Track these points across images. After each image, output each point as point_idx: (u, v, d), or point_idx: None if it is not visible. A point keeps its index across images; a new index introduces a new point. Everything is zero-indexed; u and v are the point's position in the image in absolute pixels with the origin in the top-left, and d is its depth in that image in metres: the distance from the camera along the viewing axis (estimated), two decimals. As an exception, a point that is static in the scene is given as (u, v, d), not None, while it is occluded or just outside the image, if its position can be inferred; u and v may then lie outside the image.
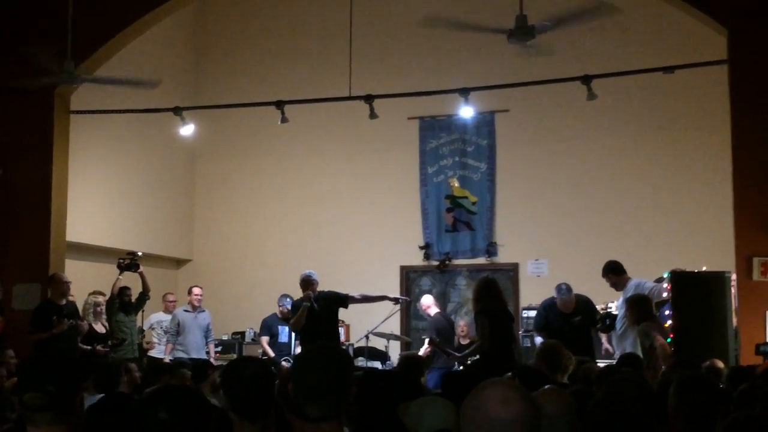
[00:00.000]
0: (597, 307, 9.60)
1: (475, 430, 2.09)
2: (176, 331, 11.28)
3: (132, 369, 7.93)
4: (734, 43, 8.65)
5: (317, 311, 9.24)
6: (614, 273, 9.14)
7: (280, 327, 11.13)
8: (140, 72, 10.93)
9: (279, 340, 11.11)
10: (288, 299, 10.86)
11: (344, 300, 9.58)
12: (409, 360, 7.38)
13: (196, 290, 11.59)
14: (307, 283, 9.43)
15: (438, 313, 10.84)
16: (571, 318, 9.26)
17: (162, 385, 2.82)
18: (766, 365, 6.12)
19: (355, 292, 9.73)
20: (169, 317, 11.65)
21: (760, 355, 6.58)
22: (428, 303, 10.87)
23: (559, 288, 9.42)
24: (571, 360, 6.00)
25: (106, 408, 3.71)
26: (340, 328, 12.79)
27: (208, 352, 11.36)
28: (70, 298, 10.08)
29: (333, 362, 2.85)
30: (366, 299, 9.86)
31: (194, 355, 11.15)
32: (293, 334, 10.55)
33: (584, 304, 9.42)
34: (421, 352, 10.15)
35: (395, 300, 10.01)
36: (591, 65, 10.28)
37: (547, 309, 9.55)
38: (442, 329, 10.48)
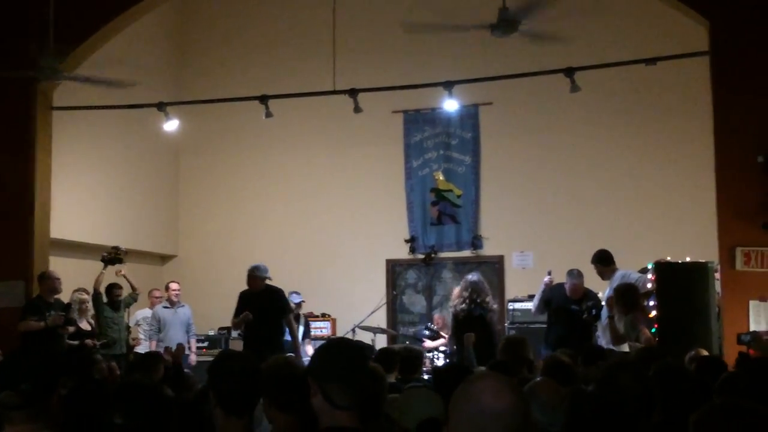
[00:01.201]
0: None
1: (466, 422, 2.09)
2: (158, 328, 11.29)
3: (113, 368, 7.87)
4: (715, 34, 8.67)
5: (256, 317, 9.43)
6: (602, 262, 9.17)
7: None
8: (123, 67, 10.86)
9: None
10: (294, 295, 10.98)
11: (285, 315, 9.77)
12: (382, 354, 7.37)
13: (174, 285, 11.60)
14: (252, 278, 9.66)
15: None
16: (573, 305, 9.31)
17: (119, 385, 2.80)
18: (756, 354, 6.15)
19: (289, 318, 9.87)
20: (155, 313, 11.65)
21: (742, 344, 6.62)
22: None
23: (570, 272, 9.48)
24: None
25: (79, 396, 3.69)
26: (326, 323, 12.91)
27: (189, 347, 11.36)
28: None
29: (358, 353, 2.91)
30: (291, 328, 9.93)
31: None
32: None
33: (592, 299, 9.42)
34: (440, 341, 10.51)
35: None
36: (574, 57, 10.31)
37: (554, 288, 9.59)
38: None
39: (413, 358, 6.76)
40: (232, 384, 3.24)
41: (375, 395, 3.38)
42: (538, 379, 4.12)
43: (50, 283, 9.39)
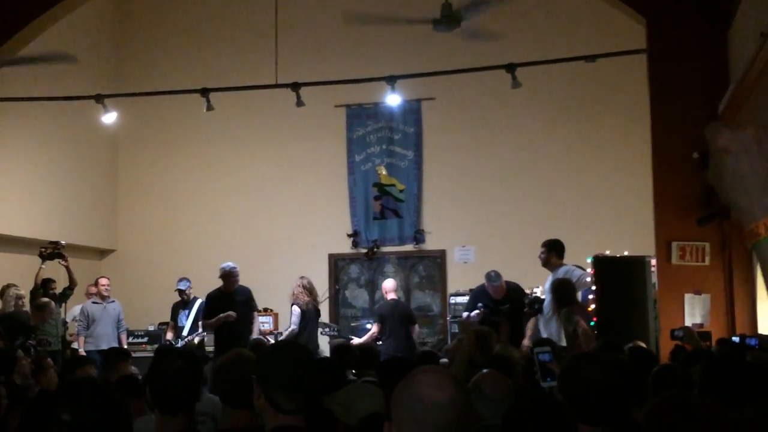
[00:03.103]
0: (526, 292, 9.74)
1: (407, 414, 2.10)
2: (86, 324, 11.12)
3: (48, 365, 7.68)
4: (652, 32, 8.81)
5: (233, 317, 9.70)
6: (555, 250, 9.06)
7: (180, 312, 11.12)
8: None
9: (178, 325, 11.04)
10: (182, 282, 11.07)
11: (254, 310, 10.24)
12: (338, 349, 7.43)
13: (103, 281, 11.46)
14: (228, 276, 9.67)
15: (393, 299, 10.87)
16: (501, 305, 9.42)
17: (66, 382, 2.72)
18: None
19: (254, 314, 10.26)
20: (94, 308, 11.45)
21: (675, 339, 6.76)
22: (386, 287, 10.99)
23: (488, 276, 9.58)
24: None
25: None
26: (269, 317, 12.85)
27: (120, 343, 11.22)
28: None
29: (304, 358, 2.92)
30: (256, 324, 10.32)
31: (104, 347, 10.99)
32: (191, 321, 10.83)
33: (514, 292, 9.58)
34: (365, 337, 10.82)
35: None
36: (516, 53, 10.39)
37: (478, 295, 9.71)
38: (386, 315, 10.65)
39: (370, 353, 6.81)
40: (167, 382, 3.17)
41: (320, 396, 3.38)
42: (485, 371, 4.12)
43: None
